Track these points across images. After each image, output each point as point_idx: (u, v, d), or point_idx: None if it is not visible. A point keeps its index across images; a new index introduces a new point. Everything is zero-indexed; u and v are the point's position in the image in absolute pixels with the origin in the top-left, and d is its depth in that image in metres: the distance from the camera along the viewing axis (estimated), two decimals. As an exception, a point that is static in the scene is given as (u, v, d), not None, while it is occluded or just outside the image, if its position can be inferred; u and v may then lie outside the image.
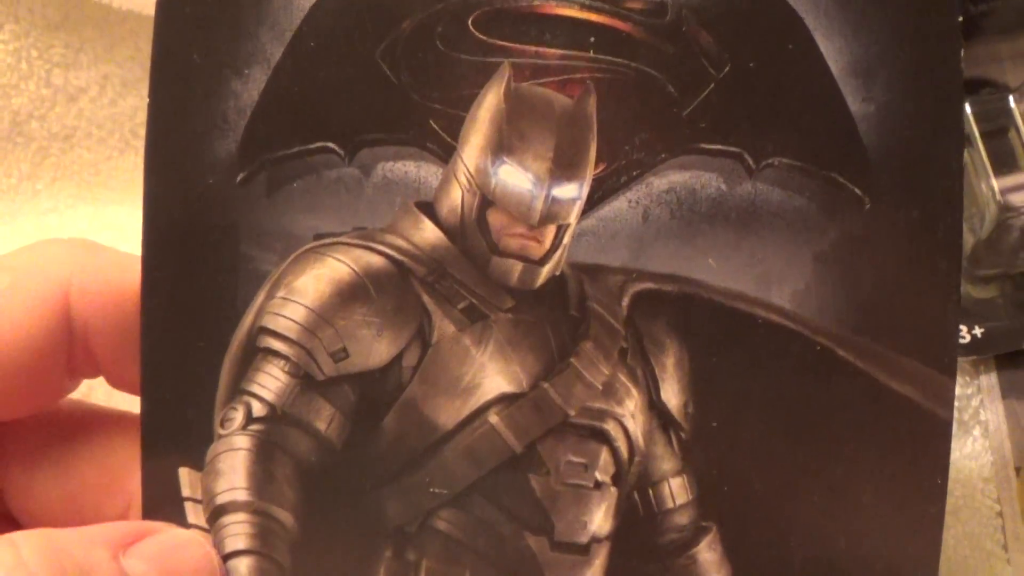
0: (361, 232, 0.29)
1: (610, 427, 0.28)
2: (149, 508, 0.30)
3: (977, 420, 0.42)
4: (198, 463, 0.30)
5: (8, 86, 0.44)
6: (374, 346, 0.29)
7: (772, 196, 0.28)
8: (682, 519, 0.28)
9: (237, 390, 0.29)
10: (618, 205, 0.28)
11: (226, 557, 0.30)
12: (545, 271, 0.28)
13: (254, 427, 0.29)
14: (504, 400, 0.28)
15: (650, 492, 0.28)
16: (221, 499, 0.30)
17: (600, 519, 0.28)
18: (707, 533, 0.28)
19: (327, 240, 0.29)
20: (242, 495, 0.29)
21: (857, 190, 0.28)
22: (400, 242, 0.29)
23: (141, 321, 0.29)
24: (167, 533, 0.30)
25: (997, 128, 0.40)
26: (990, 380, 0.42)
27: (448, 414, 0.29)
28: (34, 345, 0.31)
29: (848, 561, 0.28)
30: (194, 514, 0.30)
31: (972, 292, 0.42)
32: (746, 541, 0.28)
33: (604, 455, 0.28)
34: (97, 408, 0.35)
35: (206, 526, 0.30)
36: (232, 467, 0.29)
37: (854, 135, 0.28)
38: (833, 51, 0.28)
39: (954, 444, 0.41)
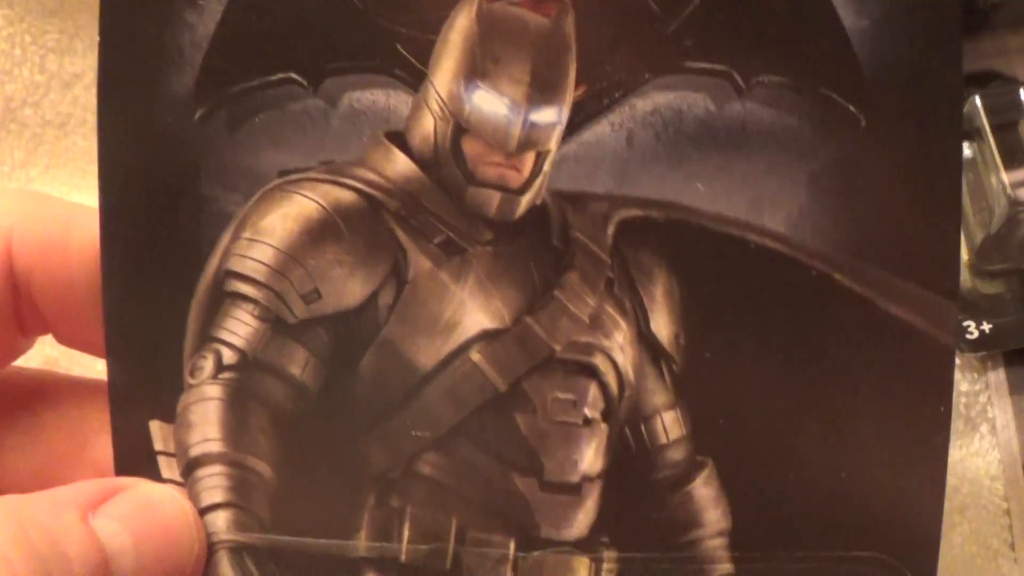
0: (329, 166, 0.27)
1: (598, 361, 0.27)
2: (121, 465, 0.29)
3: (984, 417, 0.41)
4: (169, 416, 0.28)
5: (2, 72, 0.43)
6: (347, 285, 0.27)
7: (763, 116, 0.27)
8: (676, 454, 0.27)
9: (206, 337, 0.28)
10: (600, 129, 0.27)
11: (203, 511, 0.29)
12: (525, 201, 0.27)
13: (225, 375, 0.28)
14: (486, 337, 0.27)
15: (642, 427, 0.27)
16: (195, 451, 0.28)
17: (591, 457, 0.27)
18: (703, 468, 0.27)
19: (293, 176, 0.27)
20: (216, 446, 0.28)
21: (852, 108, 0.26)
22: (371, 175, 0.27)
23: (102, 271, 0.28)
24: (138, 489, 0.29)
25: (1007, 122, 0.40)
26: (998, 376, 0.42)
27: (428, 353, 0.27)
28: None
29: (850, 493, 0.27)
30: (168, 468, 0.29)
31: (980, 288, 0.42)
32: (743, 476, 0.27)
33: (593, 390, 0.27)
34: (63, 376, 0.33)
35: (181, 480, 0.29)
36: (204, 418, 0.28)
37: (848, 50, 0.26)
38: None
39: (961, 441, 0.41)
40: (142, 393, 0.28)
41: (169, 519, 0.28)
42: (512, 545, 0.28)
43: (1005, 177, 0.39)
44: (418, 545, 0.28)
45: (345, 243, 0.27)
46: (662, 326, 0.27)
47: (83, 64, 0.45)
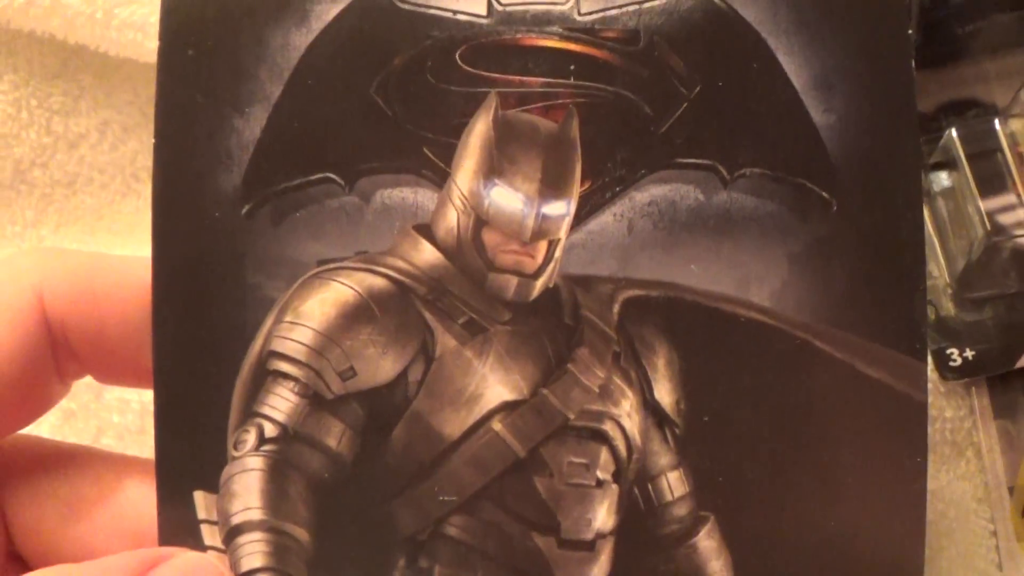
0: (363, 256, 0.30)
1: (608, 427, 0.30)
2: (165, 532, 0.31)
3: (970, 442, 0.42)
4: (213, 486, 0.31)
5: (9, 136, 0.45)
6: (380, 363, 0.30)
7: (746, 203, 0.30)
8: (681, 510, 0.30)
9: (249, 413, 0.30)
10: (604, 219, 0.30)
11: (243, 574, 0.31)
12: (539, 284, 0.30)
13: (267, 447, 0.30)
14: (506, 408, 0.30)
15: (649, 487, 0.30)
16: (236, 519, 0.31)
17: (603, 515, 0.30)
18: (705, 522, 0.30)
19: (331, 265, 0.30)
20: (257, 514, 0.31)
21: (824, 194, 0.30)
22: (400, 263, 0.30)
23: (153, 352, 0.30)
24: (182, 557, 0.31)
25: (983, 150, 0.41)
26: (982, 402, 0.43)
27: (454, 424, 0.30)
28: (17, 352, 0.31)
29: (839, 541, 0.30)
30: (211, 536, 0.31)
31: (963, 315, 0.42)
32: (742, 528, 0.30)
33: (604, 454, 0.30)
34: (101, 452, 0.36)
35: (223, 547, 0.31)
36: (246, 487, 0.31)
37: (819, 143, 0.30)
38: (794, 67, 0.30)
39: (947, 466, 0.42)
40: (188, 465, 0.31)
41: None
42: (534, 600, 0.30)
43: (982, 205, 0.40)
44: (446, 602, 0.30)
45: (378, 324, 0.30)
46: (664, 394, 0.30)
47: (88, 124, 0.46)
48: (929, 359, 0.39)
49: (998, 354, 0.42)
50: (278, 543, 0.31)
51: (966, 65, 0.43)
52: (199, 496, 0.31)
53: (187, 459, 0.31)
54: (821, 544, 0.30)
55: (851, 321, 0.29)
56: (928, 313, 0.41)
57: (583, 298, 0.30)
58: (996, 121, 0.41)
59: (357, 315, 0.30)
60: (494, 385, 0.30)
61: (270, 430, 0.30)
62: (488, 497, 0.30)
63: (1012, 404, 0.42)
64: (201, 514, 0.31)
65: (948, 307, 0.42)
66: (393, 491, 0.30)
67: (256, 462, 0.31)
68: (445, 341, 0.30)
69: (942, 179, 0.42)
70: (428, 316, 0.30)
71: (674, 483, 0.30)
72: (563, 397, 0.30)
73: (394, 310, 0.30)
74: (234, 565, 0.31)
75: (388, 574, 0.30)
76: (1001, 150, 0.41)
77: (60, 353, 0.33)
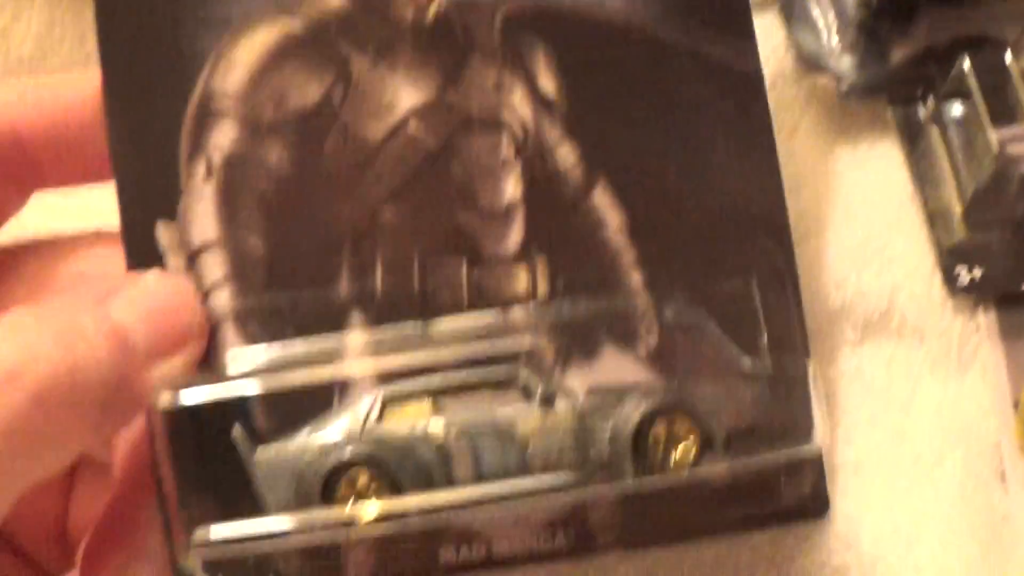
0: (281, 6, 0.36)
1: (505, 115, 0.35)
2: (132, 264, 0.35)
3: (976, 359, 0.43)
4: (172, 216, 0.35)
5: None
6: (306, 90, 0.35)
7: None
8: (575, 173, 0.36)
9: (197, 147, 0.35)
10: None
11: (208, 289, 0.35)
12: (432, 10, 0.36)
13: (215, 176, 0.35)
14: (418, 110, 0.35)
15: (546, 158, 0.36)
16: (196, 242, 0.35)
17: (512, 187, 0.35)
18: (597, 182, 0.35)
19: (253, 16, 0.36)
20: (214, 233, 0.35)
21: None
22: (313, 9, 0.36)
23: (105, 106, 0.35)
24: (142, 278, 0.34)
25: (994, 82, 0.42)
26: (989, 320, 0.43)
27: (376, 130, 0.35)
28: None
29: (714, 201, 0.36)
30: (174, 262, 0.35)
31: (971, 235, 0.43)
32: (631, 188, 0.36)
33: (505, 138, 0.35)
34: (63, 236, 0.38)
35: (186, 270, 0.35)
36: (203, 212, 0.35)
37: None
38: None
39: (952, 383, 0.43)
40: (147, 198, 0.35)
41: (171, 298, 0.34)
42: (464, 264, 0.35)
43: (992, 135, 0.41)
44: (390, 279, 0.35)
45: (300, 58, 0.35)
46: (547, 82, 0.36)
47: None
48: (939, 276, 0.43)
49: (1005, 275, 0.43)
50: (235, 254, 0.35)
51: (978, 6, 0.44)
52: (161, 227, 0.35)
53: (146, 195, 0.35)
54: (700, 205, 0.36)
55: (689, 14, 0.36)
56: (939, 233, 0.43)
57: (469, 17, 0.36)
58: (1008, 53, 0.42)
59: (282, 52, 0.35)
60: (405, 94, 0.35)
61: (217, 160, 0.35)
62: (414, 185, 0.35)
63: (1018, 324, 0.43)
64: (163, 242, 0.35)
65: (958, 230, 0.44)
66: (332, 194, 0.35)
67: (208, 189, 0.35)
68: (359, 63, 0.35)
69: (955, 108, 0.44)
70: (343, 45, 0.36)
71: (565, 153, 0.36)
72: (464, 95, 0.36)
73: (312, 44, 0.36)
74: (198, 282, 0.35)
75: (337, 261, 0.35)
76: (1012, 82, 0.42)
77: (12, 159, 0.36)
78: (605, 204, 0.36)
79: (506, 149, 0.36)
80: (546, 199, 0.35)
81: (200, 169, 0.35)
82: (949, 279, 0.43)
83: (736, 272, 0.36)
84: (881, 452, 0.42)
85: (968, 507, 0.41)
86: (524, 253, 0.35)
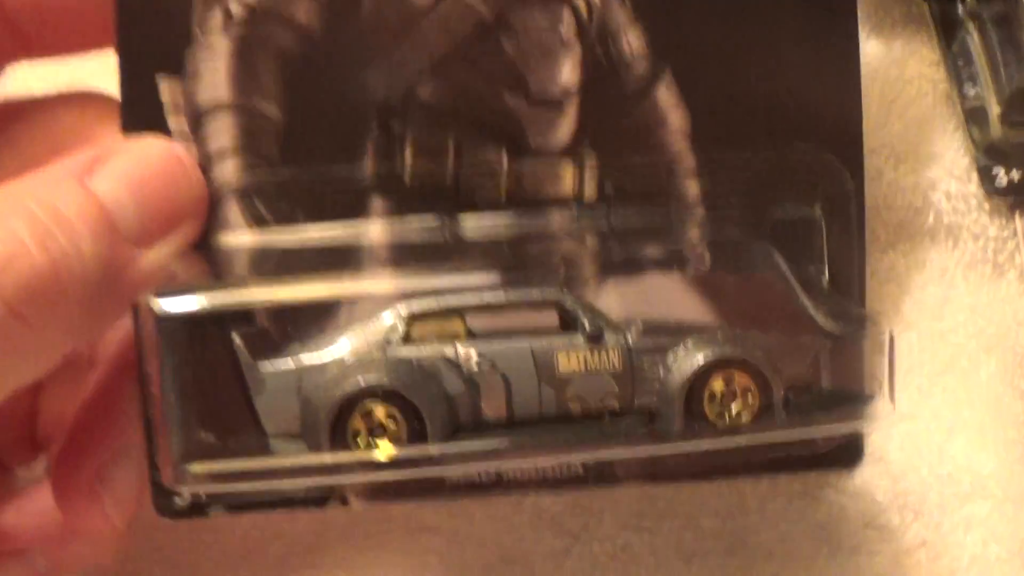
0: None
1: None
2: (129, 123, 0.31)
3: (1012, 263, 0.41)
4: (177, 69, 0.30)
5: None
6: None
7: None
8: (640, 67, 0.31)
9: (213, -9, 0.30)
10: None
11: (212, 157, 0.31)
12: None
13: (234, 28, 0.30)
14: None
15: (611, 43, 0.31)
16: (204, 102, 0.30)
17: (568, 73, 0.31)
18: (663, 77, 0.31)
19: None
20: (225, 95, 0.31)
21: None
22: None
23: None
24: (130, 146, 0.30)
25: None
26: None
27: None
28: None
29: (785, 100, 0.32)
30: (176, 124, 0.31)
31: (1010, 136, 0.41)
32: (696, 85, 0.31)
33: (567, 15, 0.31)
34: (43, 96, 0.34)
35: (190, 133, 0.31)
36: (214, 69, 0.30)
37: None
38: None
39: (989, 287, 0.41)
40: (149, 47, 0.30)
41: (164, 168, 0.30)
42: (505, 156, 0.31)
43: None
44: (420, 165, 0.31)
45: None
46: None
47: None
48: (975, 176, 0.40)
49: (1045, 176, 0.41)
50: (247, 121, 0.31)
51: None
52: (163, 81, 0.31)
53: (149, 39, 0.30)
54: (769, 105, 0.32)
55: None
56: (976, 133, 0.41)
57: None
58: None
59: None
60: None
61: (237, 10, 0.30)
62: (457, 60, 0.31)
63: (1055, 232, 0.41)
64: (165, 98, 0.31)
65: (996, 129, 0.42)
66: (363, 59, 0.31)
67: (223, 43, 0.30)
68: None
69: (995, 5, 0.42)
70: None
71: (633, 40, 0.31)
72: None
73: None
74: (201, 148, 0.31)
75: (360, 142, 0.31)
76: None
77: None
78: (668, 102, 0.31)
79: (567, 28, 0.31)
80: (605, 90, 0.31)
81: (216, 17, 0.30)
82: (986, 179, 0.41)
83: (800, 194, 0.32)
84: (912, 358, 0.40)
85: (1002, 415, 0.39)
86: (573, 148, 0.31)
